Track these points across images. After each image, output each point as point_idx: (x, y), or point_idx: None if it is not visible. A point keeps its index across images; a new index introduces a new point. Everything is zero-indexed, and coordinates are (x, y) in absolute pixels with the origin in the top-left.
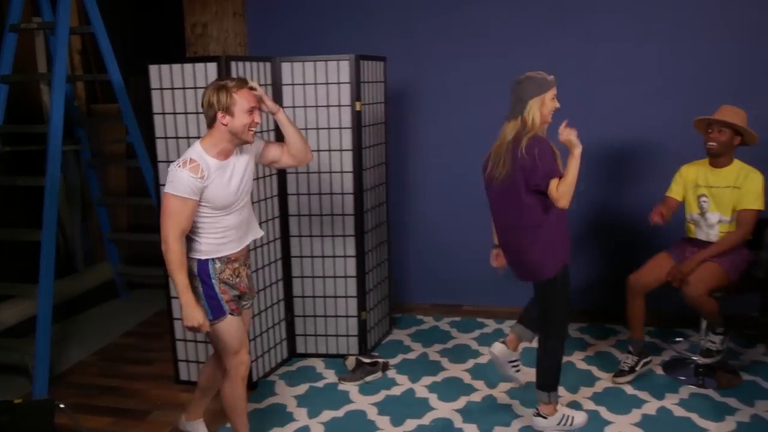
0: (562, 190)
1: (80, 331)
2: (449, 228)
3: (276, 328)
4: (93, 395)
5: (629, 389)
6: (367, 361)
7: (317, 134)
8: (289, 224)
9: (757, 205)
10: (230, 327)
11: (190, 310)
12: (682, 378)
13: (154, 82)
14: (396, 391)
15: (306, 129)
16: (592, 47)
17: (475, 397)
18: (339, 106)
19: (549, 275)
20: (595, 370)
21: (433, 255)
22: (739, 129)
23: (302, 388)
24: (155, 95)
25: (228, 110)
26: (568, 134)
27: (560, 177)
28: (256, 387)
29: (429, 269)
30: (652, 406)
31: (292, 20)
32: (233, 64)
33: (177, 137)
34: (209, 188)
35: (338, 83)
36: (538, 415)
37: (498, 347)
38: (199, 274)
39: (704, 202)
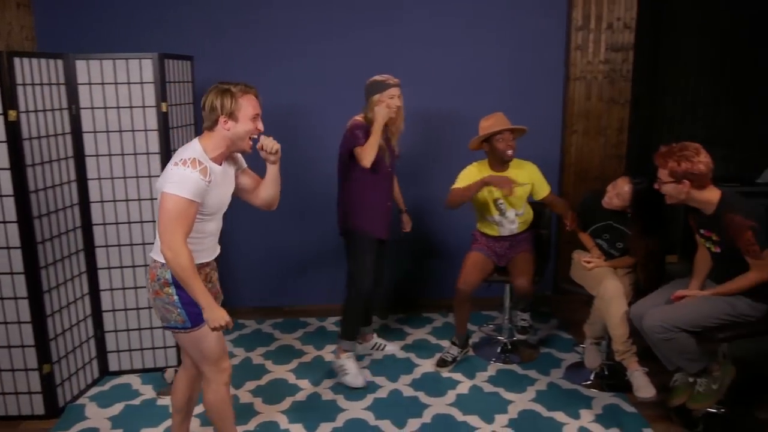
0: (360, 153)
1: None
2: (267, 230)
3: (84, 347)
4: None
5: (445, 373)
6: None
7: (120, 137)
8: (94, 234)
9: (549, 187)
10: (211, 333)
11: (215, 312)
12: (491, 357)
13: None
14: None
15: (107, 132)
16: (395, 49)
17: (300, 397)
18: (143, 107)
19: (350, 227)
20: (413, 357)
21: (253, 258)
22: (519, 132)
23: (117, 408)
24: None
25: (232, 116)
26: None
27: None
28: (62, 413)
29: (249, 272)
30: (465, 386)
31: (89, 14)
32: (17, 60)
33: None
34: (210, 193)
35: (141, 83)
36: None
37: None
38: (175, 280)
39: (501, 204)
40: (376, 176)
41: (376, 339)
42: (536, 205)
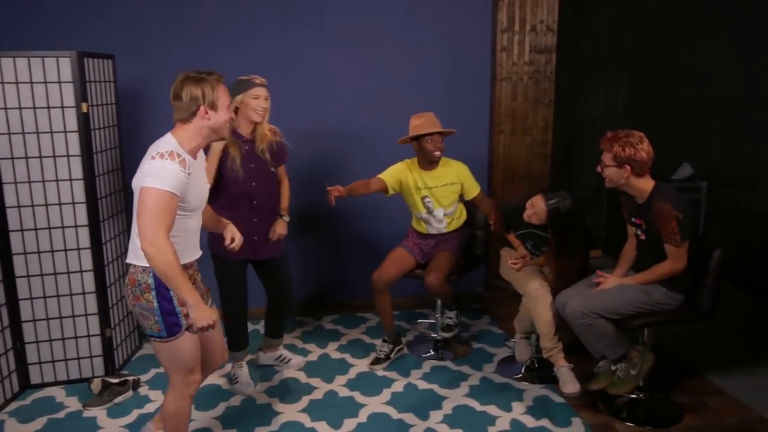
0: None
1: None
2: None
3: (2, 360)
4: None
5: (380, 372)
6: (115, 381)
7: (38, 138)
8: (11, 240)
9: (479, 187)
10: (187, 344)
11: (202, 311)
12: (424, 354)
13: None
14: (150, 408)
15: (23, 133)
16: (322, 50)
17: (234, 402)
18: (62, 107)
19: (210, 248)
20: (348, 358)
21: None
22: (447, 134)
23: (39, 423)
24: None
25: (213, 105)
26: None
27: None
28: None
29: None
30: (400, 384)
31: (2, 10)
32: None
33: None
34: (189, 187)
35: (59, 82)
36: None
37: (260, 355)
38: (157, 286)
39: (429, 202)
40: (230, 197)
41: (282, 351)
42: (470, 205)
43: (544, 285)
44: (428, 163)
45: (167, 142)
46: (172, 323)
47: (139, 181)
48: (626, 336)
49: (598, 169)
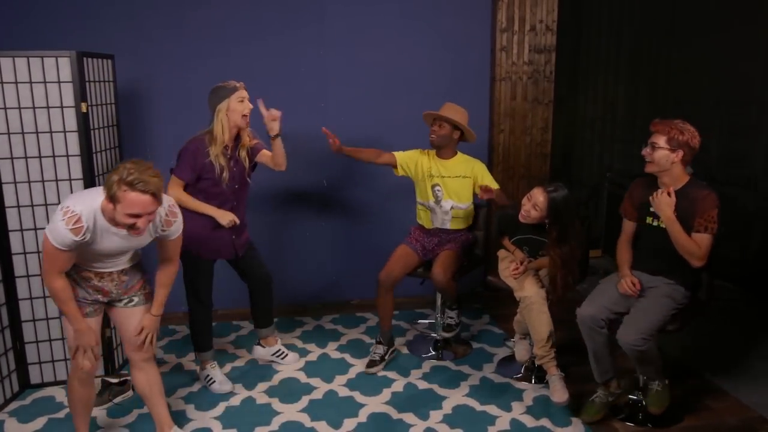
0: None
1: None
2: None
3: (1, 360)
4: None
5: (380, 372)
6: (115, 380)
7: (37, 138)
8: (11, 240)
9: (496, 184)
10: (69, 328)
11: (79, 335)
12: (424, 354)
13: None
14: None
15: (23, 133)
16: (321, 50)
17: (234, 401)
18: (61, 107)
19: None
20: (348, 358)
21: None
22: (457, 124)
23: (39, 423)
24: None
25: (113, 200)
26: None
27: (178, 176)
28: None
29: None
30: (399, 384)
31: (1, 9)
32: None
33: None
34: (90, 245)
35: (59, 82)
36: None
37: (257, 350)
38: None
39: (438, 191)
40: (209, 196)
41: (280, 346)
42: (476, 207)
43: (539, 293)
44: (434, 148)
45: (92, 200)
46: None
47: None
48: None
49: (644, 152)
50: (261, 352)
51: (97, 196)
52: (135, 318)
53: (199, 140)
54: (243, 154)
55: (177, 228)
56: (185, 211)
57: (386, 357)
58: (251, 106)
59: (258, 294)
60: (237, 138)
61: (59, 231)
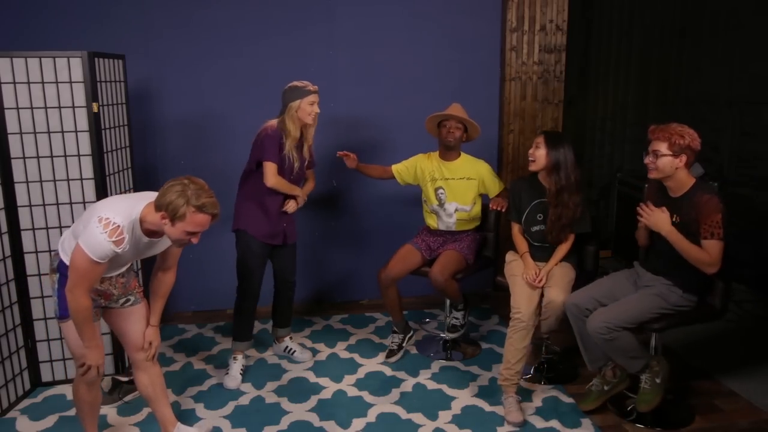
0: (267, 171)
1: None
2: (204, 234)
3: (13, 358)
4: None
5: (388, 371)
6: (125, 379)
7: (49, 138)
8: (23, 240)
9: (502, 185)
10: (72, 332)
11: (93, 353)
12: (433, 354)
13: None
14: None
15: (35, 133)
16: (331, 50)
17: (244, 401)
18: (73, 107)
19: (238, 227)
20: (357, 357)
21: (192, 262)
22: (467, 124)
23: (50, 420)
24: None
25: (174, 218)
26: None
27: (273, 162)
28: None
29: (187, 276)
30: (408, 384)
31: (13, 10)
32: None
33: None
34: (123, 254)
35: (70, 82)
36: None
37: (275, 346)
38: (60, 271)
39: (441, 193)
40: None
41: (288, 343)
42: (485, 208)
43: (531, 317)
44: (446, 150)
45: (130, 209)
46: (65, 307)
47: (83, 225)
48: (643, 346)
49: (646, 160)
50: (275, 349)
51: (132, 205)
52: (134, 317)
53: (275, 130)
54: (306, 151)
55: None
56: (255, 190)
57: (404, 344)
58: (319, 110)
59: (281, 296)
60: (301, 136)
61: (100, 243)
